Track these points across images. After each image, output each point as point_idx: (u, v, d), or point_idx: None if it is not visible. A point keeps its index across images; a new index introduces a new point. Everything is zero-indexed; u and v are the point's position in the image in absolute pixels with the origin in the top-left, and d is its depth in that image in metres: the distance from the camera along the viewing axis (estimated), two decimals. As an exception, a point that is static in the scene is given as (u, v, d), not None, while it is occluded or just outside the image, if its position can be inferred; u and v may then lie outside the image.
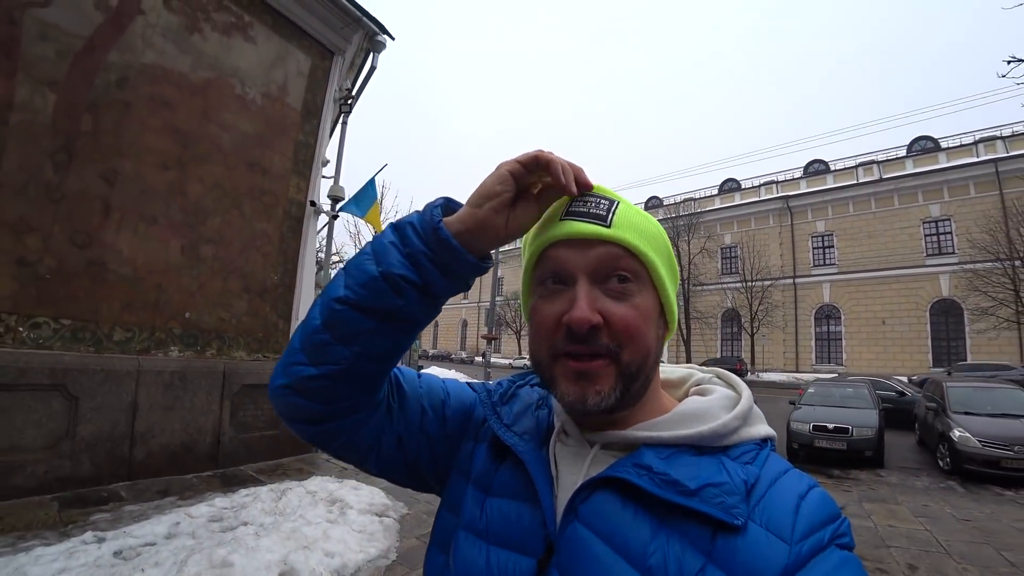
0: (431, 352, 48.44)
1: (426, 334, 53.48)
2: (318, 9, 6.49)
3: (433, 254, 0.55)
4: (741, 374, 23.21)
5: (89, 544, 3.18)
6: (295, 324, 6.25)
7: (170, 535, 3.41)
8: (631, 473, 0.51)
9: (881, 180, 27.76)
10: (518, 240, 0.63)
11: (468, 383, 0.76)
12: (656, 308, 0.57)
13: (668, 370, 0.69)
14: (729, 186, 36.48)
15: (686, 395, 0.65)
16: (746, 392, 0.61)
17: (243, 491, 4.32)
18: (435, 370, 22.64)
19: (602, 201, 0.56)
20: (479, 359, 38.53)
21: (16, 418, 4.06)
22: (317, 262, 7.15)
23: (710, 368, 0.68)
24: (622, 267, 0.54)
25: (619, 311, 0.53)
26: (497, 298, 21.68)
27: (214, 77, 5.60)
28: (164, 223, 5.11)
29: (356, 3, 6.71)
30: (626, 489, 0.51)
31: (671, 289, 0.58)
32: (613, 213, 0.55)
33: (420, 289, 0.56)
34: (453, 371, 23.96)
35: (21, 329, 4.23)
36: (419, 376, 0.71)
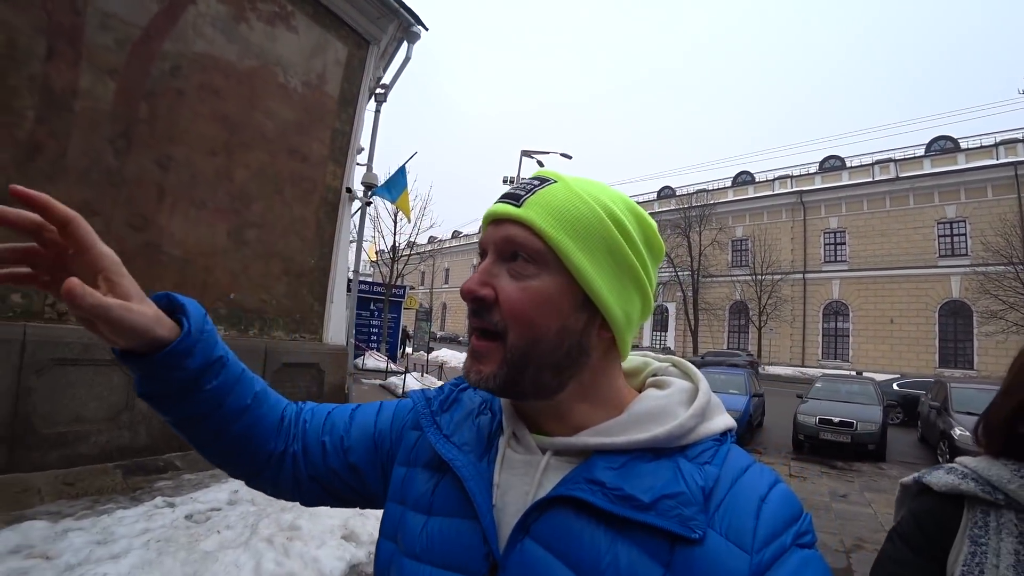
0: (439, 334, 48.85)
1: (434, 317, 53.87)
2: (356, -1, 6.62)
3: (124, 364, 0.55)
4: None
5: (161, 508, 3.48)
6: (329, 306, 6.52)
7: (232, 501, 3.71)
8: (584, 491, 0.49)
9: (897, 179, 27.58)
10: None
11: (409, 393, 0.73)
12: (565, 296, 0.52)
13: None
14: (743, 179, 36.29)
15: (643, 385, 0.63)
16: (703, 384, 0.58)
17: (289, 464, 4.62)
18: (446, 352, 22.98)
19: (533, 182, 0.55)
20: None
21: (81, 391, 4.35)
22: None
23: (666, 356, 0.66)
24: (521, 247, 0.52)
25: (508, 289, 0.52)
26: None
27: (259, 66, 5.78)
28: (212, 208, 5.35)
29: (393, -7, 6.84)
30: (580, 503, 0.49)
31: (600, 280, 0.53)
32: (533, 193, 0.53)
33: (160, 398, 0.56)
34: (463, 353, 24.26)
35: (85, 306, 4.50)
36: (328, 414, 0.72)
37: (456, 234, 57.66)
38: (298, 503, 0.72)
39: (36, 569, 2.68)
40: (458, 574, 0.52)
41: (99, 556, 2.79)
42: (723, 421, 0.56)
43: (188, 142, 5.16)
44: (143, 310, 0.52)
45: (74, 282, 0.46)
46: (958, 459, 0.87)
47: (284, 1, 6.02)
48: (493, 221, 0.55)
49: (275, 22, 5.94)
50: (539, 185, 0.54)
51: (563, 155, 20.30)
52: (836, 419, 8.83)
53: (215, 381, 0.58)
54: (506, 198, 0.54)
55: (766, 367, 28.26)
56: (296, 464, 0.67)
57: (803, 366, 28.72)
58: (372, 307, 15.00)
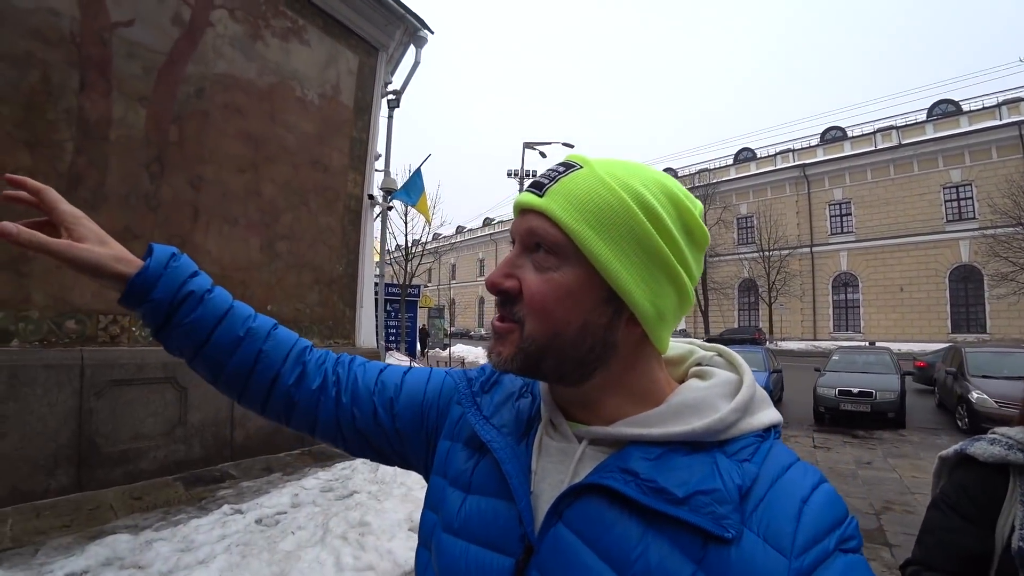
0: (451, 330, 49.04)
1: (445, 313, 54.00)
2: (364, 8, 6.71)
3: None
4: (759, 343, 23.56)
5: (231, 515, 3.67)
6: (360, 311, 6.69)
7: (295, 504, 3.90)
8: (618, 480, 0.48)
9: (900, 146, 27.44)
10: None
11: (447, 372, 0.73)
12: (588, 289, 0.50)
13: (670, 345, 0.61)
14: (744, 155, 36.17)
15: (686, 375, 0.61)
16: (748, 377, 0.56)
17: (339, 465, 4.82)
18: (461, 347, 23.21)
19: (558, 169, 0.53)
20: (497, 336, 38.82)
21: (138, 409, 4.54)
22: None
23: (712, 345, 0.63)
24: (542, 238, 0.51)
25: (530, 281, 0.51)
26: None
27: (277, 81, 5.90)
28: (244, 223, 5.50)
29: (399, 0, 6.94)
30: (612, 493, 0.49)
31: (625, 272, 0.50)
32: (556, 181, 0.51)
33: (161, 336, 0.65)
34: (480, 348, 24.50)
35: (134, 329, 4.68)
36: (380, 372, 0.73)
37: (460, 229, 57.71)
38: (345, 452, 0.75)
39: (132, 578, 2.87)
40: (494, 552, 0.52)
41: (187, 563, 2.98)
42: (768, 416, 0.53)
43: (217, 161, 5.31)
44: (93, 248, 0.60)
45: (6, 223, 0.54)
46: (997, 429, 0.96)
47: (295, 16, 6.13)
48: (520, 211, 0.54)
49: (289, 37, 6.05)
50: (563, 172, 0.52)
51: (565, 144, 20.30)
52: (855, 390, 8.99)
53: (192, 314, 0.64)
54: (531, 187, 0.53)
55: (777, 343, 28.39)
56: (341, 411, 0.69)
57: (815, 339, 28.83)
58: (388, 308, 15.21)
